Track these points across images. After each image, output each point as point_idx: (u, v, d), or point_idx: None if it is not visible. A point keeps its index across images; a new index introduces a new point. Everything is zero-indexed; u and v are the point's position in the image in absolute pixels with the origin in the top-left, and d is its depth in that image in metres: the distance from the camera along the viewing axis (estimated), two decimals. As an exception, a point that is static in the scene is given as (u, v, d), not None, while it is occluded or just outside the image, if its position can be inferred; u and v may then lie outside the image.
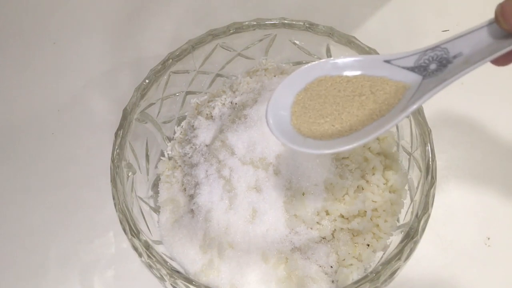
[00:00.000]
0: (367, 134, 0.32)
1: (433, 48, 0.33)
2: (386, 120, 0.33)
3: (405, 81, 0.34)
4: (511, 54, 0.30)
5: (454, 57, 0.32)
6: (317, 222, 0.46)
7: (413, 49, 0.34)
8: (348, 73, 0.36)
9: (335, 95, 0.35)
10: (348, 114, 0.34)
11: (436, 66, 0.32)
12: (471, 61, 0.30)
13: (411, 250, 0.41)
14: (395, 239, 0.45)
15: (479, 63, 0.30)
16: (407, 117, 0.33)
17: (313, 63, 0.36)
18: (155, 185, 0.53)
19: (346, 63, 0.36)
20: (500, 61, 0.31)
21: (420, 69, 0.33)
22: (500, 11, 0.29)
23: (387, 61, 0.34)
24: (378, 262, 0.44)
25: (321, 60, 0.36)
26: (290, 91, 0.36)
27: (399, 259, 0.40)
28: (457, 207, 0.55)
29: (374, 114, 0.34)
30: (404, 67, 0.34)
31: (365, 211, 0.46)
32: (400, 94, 0.33)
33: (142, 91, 0.49)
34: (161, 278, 0.41)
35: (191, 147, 0.52)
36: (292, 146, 0.33)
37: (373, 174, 0.48)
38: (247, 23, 0.51)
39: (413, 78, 0.33)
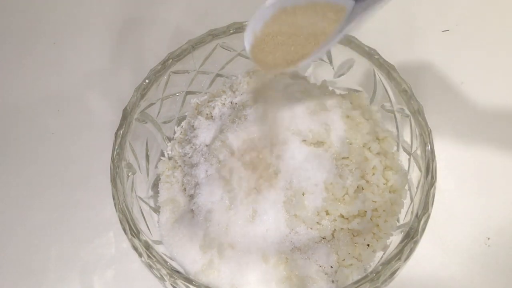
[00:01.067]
0: (310, 56, 0.38)
1: None
2: (327, 42, 0.38)
3: (343, 4, 0.38)
4: None
5: None
6: (317, 222, 0.46)
7: None
8: (301, 1, 0.39)
9: (289, 25, 0.40)
10: (299, 45, 0.39)
11: None
12: None
13: (411, 250, 0.41)
14: (395, 239, 0.45)
15: None
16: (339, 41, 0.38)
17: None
18: (155, 185, 0.53)
19: None
20: None
21: None
22: None
23: None
24: (378, 262, 0.44)
25: None
26: (255, 27, 0.41)
27: (399, 259, 0.40)
28: (457, 207, 0.55)
29: (320, 38, 0.38)
30: None
31: (365, 211, 0.46)
32: (341, 17, 0.38)
33: (142, 91, 0.49)
34: (161, 278, 0.41)
35: (191, 147, 0.52)
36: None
37: (373, 174, 0.48)
38: (247, 23, 0.51)
39: (350, 2, 0.37)
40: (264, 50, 0.40)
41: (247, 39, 0.41)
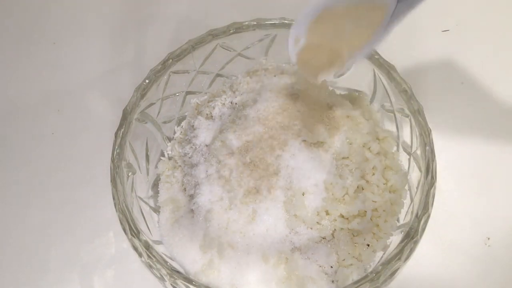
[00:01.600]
0: (356, 56, 0.39)
1: None
2: (371, 41, 0.38)
3: (386, 2, 0.38)
4: None
5: None
6: (317, 222, 0.46)
7: None
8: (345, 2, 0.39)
9: (334, 26, 0.40)
10: (344, 47, 0.40)
11: None
12: None
13: (411, 250, 0.41)
14: (395, 239, 0.45)
15: None
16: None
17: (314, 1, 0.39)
18: (155, 185, 0.53)
19: None
20: None
21: None
22: None
23: None
24: (378, 262, 0.44)
25: None
26: (300, 29, 0.40)
27: (399, 259, 0.40)
28: (457, 207, 0.55)
29: (364, 38, 0.39)
30: None
31: (365, 211, 0.46)
32: (383, 15, 0.38)
33: (142, 91, 0.49)
34: (161, 278, 0.41)
35: (191, 147, 0.52)
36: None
37: (373, 174, 0.48)
38: (247, 23, 0.51)
39: (392, 1, 0.38)
40: (310, 56, 0.41)
41: (292, 49, 0.41)
